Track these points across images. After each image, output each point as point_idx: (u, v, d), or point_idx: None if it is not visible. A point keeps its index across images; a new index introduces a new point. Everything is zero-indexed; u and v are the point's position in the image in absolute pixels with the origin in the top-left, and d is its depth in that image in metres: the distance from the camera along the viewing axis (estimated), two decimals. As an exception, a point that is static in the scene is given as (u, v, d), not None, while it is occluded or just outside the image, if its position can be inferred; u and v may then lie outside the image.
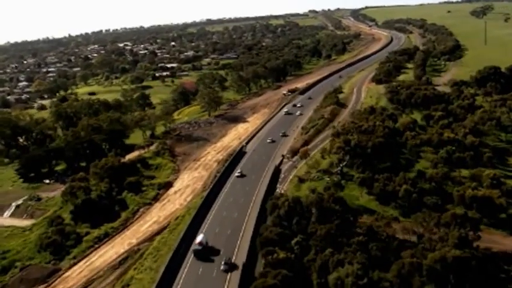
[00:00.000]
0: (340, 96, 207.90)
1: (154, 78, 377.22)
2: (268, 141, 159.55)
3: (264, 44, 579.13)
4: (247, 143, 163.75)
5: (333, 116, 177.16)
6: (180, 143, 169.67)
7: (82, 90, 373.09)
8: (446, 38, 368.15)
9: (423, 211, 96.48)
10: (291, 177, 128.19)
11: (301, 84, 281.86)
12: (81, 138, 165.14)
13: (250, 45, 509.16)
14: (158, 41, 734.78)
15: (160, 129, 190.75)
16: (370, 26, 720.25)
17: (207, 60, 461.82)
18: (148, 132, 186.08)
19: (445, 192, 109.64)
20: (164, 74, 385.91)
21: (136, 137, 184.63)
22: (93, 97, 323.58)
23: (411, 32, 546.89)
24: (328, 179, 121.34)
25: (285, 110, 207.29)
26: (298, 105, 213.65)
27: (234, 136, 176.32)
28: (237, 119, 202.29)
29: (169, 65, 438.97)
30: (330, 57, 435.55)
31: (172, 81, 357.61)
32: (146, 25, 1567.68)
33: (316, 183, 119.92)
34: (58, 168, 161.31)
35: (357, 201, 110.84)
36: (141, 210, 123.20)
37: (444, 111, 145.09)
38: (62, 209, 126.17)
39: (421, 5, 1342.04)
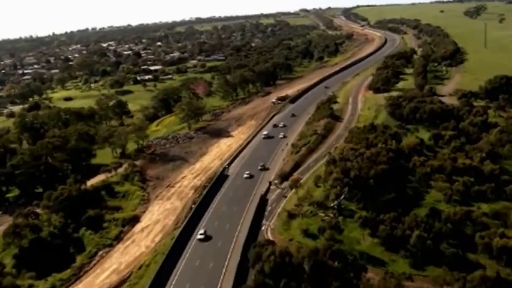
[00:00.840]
0: (335, 107, 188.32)
1: (136, 82, 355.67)
2: (246, 176, 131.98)
3: (253, 44, 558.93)
4: (229, 164, 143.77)
5: (327, 131, 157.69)
6: (153, 164, 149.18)
7: (58, 95, 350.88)
8: (444, 40, 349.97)
9: (443, 268, 77.49)
10: (279, 210, 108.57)
11: (291, 90, 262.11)
12: (38, 158, 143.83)
13: (238, 46, 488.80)
14: (144, 40, 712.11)
15: (132, 146, 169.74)
16: (362, 26, 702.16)
17: (193, 62, 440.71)
18: (119, 150, 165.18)
19: (464, 235, 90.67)
20: (146, 77, 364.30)
21: (105, 154, 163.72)
22: (69, 103, 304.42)
23: (405, 33, 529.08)
24: (323, 214, 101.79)
25: (264, 132, 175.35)
26: (281, 125, 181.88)
27: (215, 155, 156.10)
28: (220, 133, 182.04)
29: (153, 68, 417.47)
30: (322, 59, 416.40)
31: (155, 86, 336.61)
32: (134, 23, 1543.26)
33: (309, 221, 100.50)
34: (10, 194, 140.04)
35: (358, 246, 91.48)
36: (100, 253, 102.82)
37: (455, 129, 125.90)
38: (4, 251, 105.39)
39: (412, 4, 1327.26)
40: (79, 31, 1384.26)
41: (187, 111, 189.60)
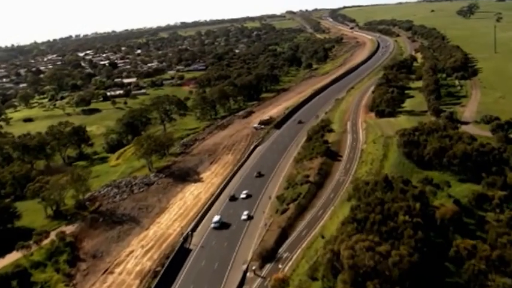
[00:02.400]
0: (330, 137, 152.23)
1: (106, 98, 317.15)
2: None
3: (237, 51, 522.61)
4: (193, 229, 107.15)
5: (322, 177, 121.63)
6: (94, 230, 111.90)
7: (19, 115, 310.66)
8: (446, 45, 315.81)
9: None
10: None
11: (276, 109, 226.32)
12: None
13: (220, 54, 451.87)
14: (123, 48, 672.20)
15: (72, 200, 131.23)
16: (351, 28, 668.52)
17: (171, 72, 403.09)
18: (54, 205, 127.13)
19: None
20: (117, 92, 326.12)
21: (36, 211, 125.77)
22: (29, 125, 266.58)
23: (398, 35, 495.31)
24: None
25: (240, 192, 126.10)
26: (243, 196, 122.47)
27: (177, 212, 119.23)
28: (187, 175, 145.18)
29: (126, 80, 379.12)
30: (310, 66, 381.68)
31: (125, 103, 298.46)
32: (119, 29, 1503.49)
33: None
34: None
35: None
36: None
37: (504, 185, 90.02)
38: None
39: (399, 3, 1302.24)
40: (62, 39, 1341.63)
41: (147, 147, 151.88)
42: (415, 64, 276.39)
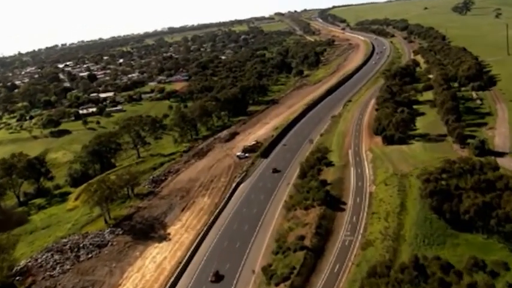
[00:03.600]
0: (329, 173, 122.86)
1: (78, 117, 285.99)
2: None
3: (223, 57, 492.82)
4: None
5: (321, 238, 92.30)
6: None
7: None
8: (448, 46, 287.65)
9: None
10: None
11: (264, 128, 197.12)
12: None
13: (204, 62, 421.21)
14: (105, 58, 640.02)
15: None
16: (343, 29, 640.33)
17: (152, 84, 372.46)
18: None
19: None
20: (90, 110, 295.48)
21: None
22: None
23: (393, 35, 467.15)
24: None
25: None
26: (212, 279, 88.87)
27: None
28: (151, 230, 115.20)
29: (103, 95, 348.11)
30: (301, 73, 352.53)
31: (98, 123, 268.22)
32: (106, 36, 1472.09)
33: None
34: None
35: None
36: None
37: None
38: None
39: (389, 1, 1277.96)
40: (47, 48, 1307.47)
41: (100, 195, 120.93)
42: (418, 70, 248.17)
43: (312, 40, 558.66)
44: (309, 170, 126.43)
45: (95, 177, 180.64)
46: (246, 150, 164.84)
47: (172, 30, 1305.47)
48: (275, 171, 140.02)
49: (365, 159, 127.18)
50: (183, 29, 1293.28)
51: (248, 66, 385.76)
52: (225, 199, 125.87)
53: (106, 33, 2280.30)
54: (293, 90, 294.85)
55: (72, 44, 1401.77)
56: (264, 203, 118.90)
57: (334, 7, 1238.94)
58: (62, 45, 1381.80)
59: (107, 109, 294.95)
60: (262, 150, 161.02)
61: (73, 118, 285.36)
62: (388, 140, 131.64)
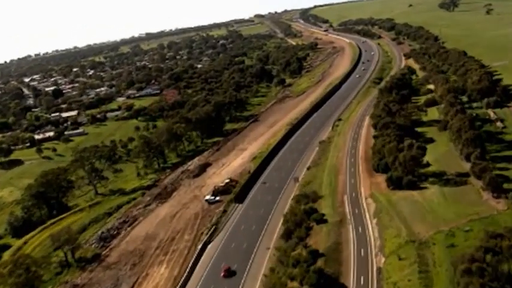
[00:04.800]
0: (321, 238, 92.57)
1: (33, 143, 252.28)
2: None
3: (199, 66, 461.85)
4: None
5: None
6: None
7: None
8: (445, 49, 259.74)
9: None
10: None
11: (241, 157, 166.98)
12: None
13: (178, 73, 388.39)
14: (74, 70, 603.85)
15: None
16: (326, 31, 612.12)
17: (121, 100, 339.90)
18: None
19: None
20: (47, 135, 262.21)
21: None
22: None
23: (380, 37, 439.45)
24: None
25: None
26: None
27: None
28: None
29: (66, 114, 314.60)
30: (283, 82, 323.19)
31: (54, 150, 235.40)
32: (81, 45, 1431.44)
33: None
34: None
35: None
36: None
37: None
38: None
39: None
40: (19, 59, 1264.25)
41: (16, 284, 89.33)
42: (414, 78, 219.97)
43: (294, 44, 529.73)
44: (294, 228, 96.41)
45: (42, 225, 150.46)
46: (217, 191, 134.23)
47: (149, 36, 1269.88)
48: (252, 223, 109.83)
49: (366, 212, 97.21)
50: (160, 35, 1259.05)
51: (225, 76, 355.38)
52: (187, 270, 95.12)
53: (82, 41, 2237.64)
54: (274, 103, 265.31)
55: (46, 53, 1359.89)
56: (236, 279, 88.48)
57: (315, 6, 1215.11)
58: (36, 55, 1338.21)
59: (67, 132, 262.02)
60: (237, 191, 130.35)
61: (28, 144, 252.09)
62: (394, 183, 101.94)
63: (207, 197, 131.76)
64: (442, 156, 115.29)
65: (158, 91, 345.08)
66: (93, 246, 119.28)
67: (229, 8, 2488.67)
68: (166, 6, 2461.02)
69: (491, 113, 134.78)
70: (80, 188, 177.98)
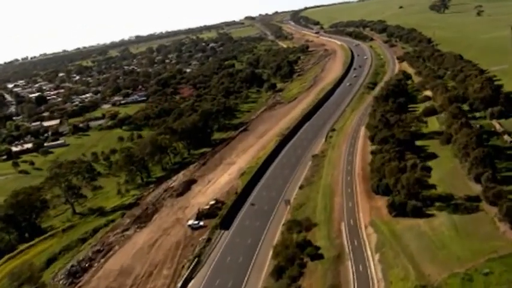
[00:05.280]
0: (317, 277, 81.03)
1: (10, 156, 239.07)
2: None
3: (188, 70, 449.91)
4: None
5: None
6: None
7: None
8: (440, 52, 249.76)
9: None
10: None
11: (228, 173, 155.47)
12: None
13: (165, 78, 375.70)
14: (60, 75, 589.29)
15: None
16: (317, 33, 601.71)
17: (106, 107, 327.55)
18: None
19: None
20: (25, 147, 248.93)
21: None
22: None
23: (372, 39, 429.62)
24: None
25: None
26: None
27: None
28: None
29: (48, 123, 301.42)
30: (274, 87, 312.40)
31: (32, 164, 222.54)
32: (70, 48, 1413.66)
33: None
34: None
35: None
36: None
37: None
38: None
39: (361, 1, 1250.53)
40: (6, 64, 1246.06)
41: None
42: (409, 83, 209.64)
43: (285, 46, 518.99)
44: (286, 265, 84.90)
45: (11, 252, 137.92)
46: (201, 215, 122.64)
47: (139, 40, 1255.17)
48: (240, 254, 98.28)
49: (367, 244, 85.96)
50: (150, 38, 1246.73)
51: (214, 81, 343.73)
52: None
53: (71, 44, 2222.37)
54: (265, 110, 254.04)
55: (34, 57, 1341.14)
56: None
57: (306, 8, 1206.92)
58: (23, 59, 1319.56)
59: (46, 144, 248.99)
60: (223, 214, 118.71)
61: (5, 157, 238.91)
62: (397, 209, 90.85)
63: (190, 222, 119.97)
64: (447, 175, 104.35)
65: (145, 97, 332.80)
66: (61, 282, 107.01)
67: (220, 10, 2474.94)
68: (156, 9, 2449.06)
69: (496, 124, 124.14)
70: (56, 207, 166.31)
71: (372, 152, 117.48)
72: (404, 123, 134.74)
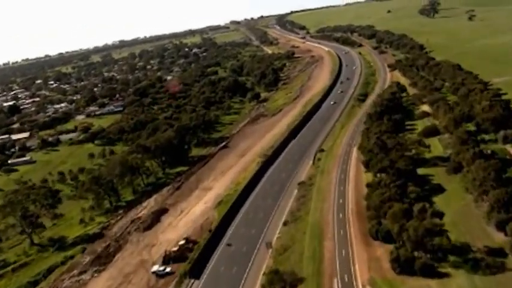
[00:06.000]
0: None
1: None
2: None
3: (168, 78, 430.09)
4: None
5: None
6: None
7: None
8: (436, 61, 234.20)
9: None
10: None
11: (203, 201, 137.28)
12: None
13: (144, 87, 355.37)
14: (38, 82, 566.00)
15: None
16: (303, 38, 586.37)
17: (80, 118, 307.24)
18: None
19: None
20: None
21: None
22: None
23: (360, 45, 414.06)
24: None
25: None
26: None
27: None
28: None
29: (17, 136, 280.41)
30: (257, 97, 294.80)
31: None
32: (53, 53, 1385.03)
33: None
34: None
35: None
36: None
37: None
38: None
39: (347, 4, 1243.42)
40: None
41: None
42: (404, 95, 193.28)
43: (270, 52, 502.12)
44: None
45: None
46: (168, 258, 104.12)
47: (122, 44, 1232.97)
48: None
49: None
50: (134, 42, 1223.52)
51: (195, 91, 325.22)
52: None
53: (54, 49, 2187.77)
54: (247, 123, 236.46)
55: (16, 62, 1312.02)
56: None
57: (292, 12, 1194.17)
58: (4, 64, 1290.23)
59: (11, 161, 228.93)
60: (194, 258, 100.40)
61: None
62: (402, 265, 73.40)
63: (155, 268, 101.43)
64: (460, 217, 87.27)
65: (121, 108, 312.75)
66: None
67: (206, 14, 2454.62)
68: (140, 13, 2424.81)
69: (511, 150, 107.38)
70: (10, 238, 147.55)
71: (368, 185, 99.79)
72: (404, 147, 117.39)
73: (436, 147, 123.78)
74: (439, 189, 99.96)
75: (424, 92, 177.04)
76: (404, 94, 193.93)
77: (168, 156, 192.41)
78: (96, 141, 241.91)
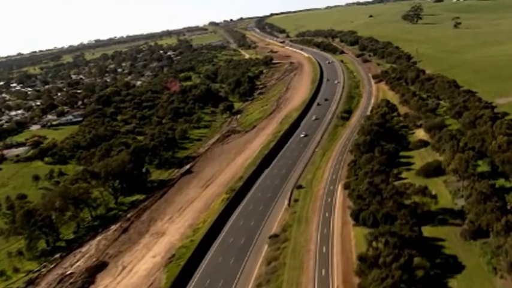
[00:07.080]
0: None
1: None
2: None
3: (138, 83, 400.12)
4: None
5: None
6: None
7: None
8: (429, 76, 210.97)
9: None
10: None
11: (152, 255, 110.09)
12: None
13: (107, 94, 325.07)
14: (0, 84, 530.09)
15: None
16: (282, 42, 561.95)
17: (35, 129, 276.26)
18: None
19: None
20: None
21: None
22: None
23: (342, 52, 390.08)
24: None
25: None
26: None
27: None
28: None
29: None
30: (230, 108, 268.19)
31: None
32: (27, 51, 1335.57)
33: None
34: None
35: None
36: None
37: None
38: None
39: (328, 7, 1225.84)
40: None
41: None
42: (394, 115, 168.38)
43: (247, 57, 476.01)
44: None
45: None
46: None
47: (98, 44, 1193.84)
48: None
49: None
50: (109, 43, 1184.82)
51: (163, 100, 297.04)
52: None
53: (29, 46, 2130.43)
54: (217, 141, 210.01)
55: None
56: None
57: (272, 15, 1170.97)
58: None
59: None
60: None
61: None
62: None
63: None
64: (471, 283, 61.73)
65: (81, 118, 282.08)
66: None
67: (185, 15, 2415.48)
68: (117, 12, 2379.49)
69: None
70: None
71: (361, 258, 73.70)
72: (404, 198, 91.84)
73: (442, 193, 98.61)
74: (455, 265, 74.53)
75: (419, 114, 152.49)
76: (394, 114, 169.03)
77: (123, 181, 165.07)
78: (46, 159, 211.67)
